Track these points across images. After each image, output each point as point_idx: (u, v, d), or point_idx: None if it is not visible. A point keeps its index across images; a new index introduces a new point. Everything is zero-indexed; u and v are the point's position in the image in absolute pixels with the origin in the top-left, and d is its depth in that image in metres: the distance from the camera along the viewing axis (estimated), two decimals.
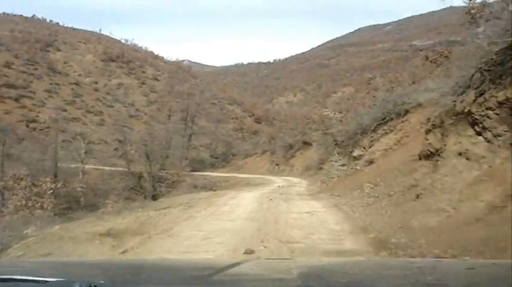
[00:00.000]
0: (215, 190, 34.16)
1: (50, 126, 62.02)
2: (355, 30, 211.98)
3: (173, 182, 49.72)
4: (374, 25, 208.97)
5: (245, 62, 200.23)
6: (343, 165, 24.99)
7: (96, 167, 57.97)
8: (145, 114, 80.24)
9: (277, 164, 55.02)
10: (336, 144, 27.20)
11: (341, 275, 2.57)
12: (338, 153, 26.12)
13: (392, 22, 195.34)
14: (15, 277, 2.07)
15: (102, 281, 1.98)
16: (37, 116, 65.52)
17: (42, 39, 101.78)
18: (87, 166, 56.72)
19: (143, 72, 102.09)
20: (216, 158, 72.80)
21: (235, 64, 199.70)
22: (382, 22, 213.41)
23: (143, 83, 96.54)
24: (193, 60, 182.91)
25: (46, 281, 1.97)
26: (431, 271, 2.60)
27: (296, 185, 31.64)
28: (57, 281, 1.99)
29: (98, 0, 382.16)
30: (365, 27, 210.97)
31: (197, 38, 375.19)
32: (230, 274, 2.50)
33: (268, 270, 2.87)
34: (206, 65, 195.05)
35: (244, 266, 2.83)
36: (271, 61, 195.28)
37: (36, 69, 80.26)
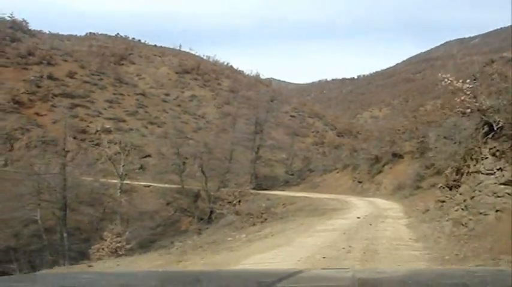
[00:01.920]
0: (263, 221, 21.84)
1: (101, 137, 52.02)
2: (440, 45, 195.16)
3: (229, 202, 37.88)
4: (460, 39, 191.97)
5: (329, 79, 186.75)
6: (506, 183, 11.15)
7: (147, 183, 47.15)
8: (217, 126, 68.92)
9: (360, 181, 42.15)
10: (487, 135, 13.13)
11: (399, 284, 2.51)
12: (495, 154, 11.76)
13: (479, 35, 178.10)
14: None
15: None
16: (88, 126, 55.59)
17: (117, 53, 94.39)
18: (136, 183, 46.37)
19: (219, 84, 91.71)
20: (291, 174, 60.58)
21: (319, 81, 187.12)
22: (468, 36, 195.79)
23: (218, 95, 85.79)
24: (277, 78, 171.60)
25: None
26: (493, 280, 2.48)
27: (389, 217, 18.99)
28: None
29: (188, 21, 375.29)
30: (451, 41, 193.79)
31: (282, 56, 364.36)
32: (288, 284, 2.37)
33: (327, 280, 2.73)
34: (290, 83, 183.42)
35: (302, 276, 2.66)
36: (355, 77, 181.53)
37: (101, 79, 71.19)
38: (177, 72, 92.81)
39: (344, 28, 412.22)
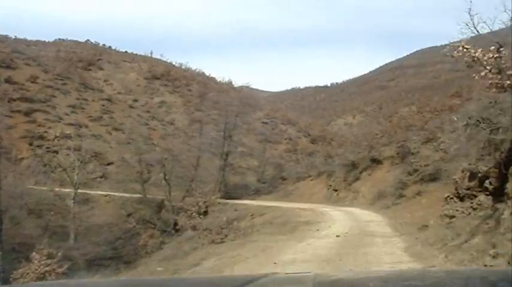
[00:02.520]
0: (223, 238, 17.86)
1: (60, 144, 47.58)
2: (412, 53, 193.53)
3: (191, 214, 33.85)
4: (431, 47, 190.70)
5: (302, 87, 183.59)
6: None
7: (106, 193, 42.91)
8: (185, 133, 64.58)
9: (336, 190, 38.35)
10: None
11: (360, 286, 2.49)
12: None
13: (449, 44, 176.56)
14: None
15: None
16: (46, 132, 51.04)
17: (85, 59, 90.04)
18: (94, 192, 42.26)
19: (189, 90, 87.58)
20: (263, 182, 56.40)
21: (292, 89, 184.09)
22: (439, 44, 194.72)
23: (188, 101, 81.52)
24: (251, 86, 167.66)
25: None
26: (450, 281, 2.49)
27: (375, 234, 15.11)
28: None
29: (161, 29, 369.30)
30: (423, 49, 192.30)
31: (255, 65, 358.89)
32: None
33: (288, 284, 2.71)
34: (264, 91, 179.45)
35: (262, 282, 2.59)
36: (329, 85, 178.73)
37: (65, 84, 66.75)
38: (146, 78, 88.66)
39: (317, 37, 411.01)
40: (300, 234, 15.85)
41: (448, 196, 11.49)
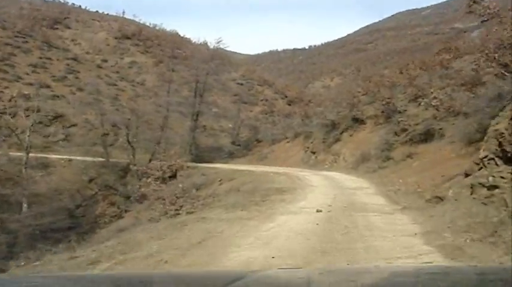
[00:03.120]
0: (177, 209, 14.17)
1: (18, 105, 43.16)
2: (392, 15, 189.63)
3: (157, 178, 30.14)
4: (412, 9, 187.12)
5: (280, 49, 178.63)
6: None
7: (65, 157, 38.86)
8: (156, 94, 60.12)
9: (314, 152, 34.83)
10: None
11: (352, 283, 2.37)
12: None
13: (430, 6, 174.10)
14: None
15: None
16: (2, 92, 46.48)
17: (51, 17, 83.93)
18: (55, 156, 38.33)
19: (161, 50, 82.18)
20: (238, 145, 52.76)
21: (270, 51, 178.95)
22: (420, 6, 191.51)
23: (160, 62, 76.55)
24: (226, 48, 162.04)
25: None
26: (442, 278, 2.39)
27: (368, 208, 11.47)
28: None
29: None
30: (402, 11, 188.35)
31: (233, 28, 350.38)
32: (242, 286, 2.25)
33: (280, 281, 2.54)
34: (240, 53, 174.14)
35: (256, 276, 2.53)
36: (307, 47, 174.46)
37: (26, 42, 61.69)
38: (116, 38, 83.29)
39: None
40: (269, 207, 12.14)
41: (486, 156, 7.90)
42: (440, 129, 21.41)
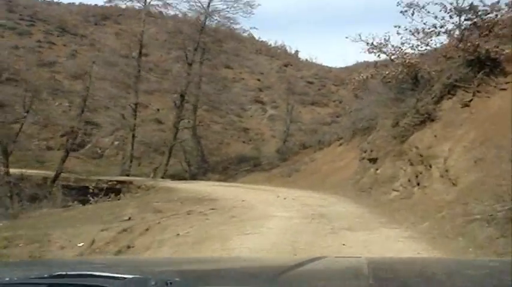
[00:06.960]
0: None
1: None
2: None
3: None
4: None
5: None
6: None
7: None
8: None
9: (374, 160, 15.95)
10: None
11: (412, 273, 2.30)
12: None
13: None
14: (94, 273, 1.83)
15: (177, 279, 1.80)
16: None
17: None
18: None
19: None
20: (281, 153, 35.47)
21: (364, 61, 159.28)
22: None
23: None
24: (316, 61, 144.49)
25: (124, 277, 1.75)
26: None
27: None
28: (133, 278, 1.77)
29: None
30: None
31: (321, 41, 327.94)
32: (302, 272, 2.21)
33: (340, 268, 2.48)
34: (331, 67, 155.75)
35: (315, 264, 2.45)
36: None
37: None
38: None
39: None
40: None
41: None
42: None
